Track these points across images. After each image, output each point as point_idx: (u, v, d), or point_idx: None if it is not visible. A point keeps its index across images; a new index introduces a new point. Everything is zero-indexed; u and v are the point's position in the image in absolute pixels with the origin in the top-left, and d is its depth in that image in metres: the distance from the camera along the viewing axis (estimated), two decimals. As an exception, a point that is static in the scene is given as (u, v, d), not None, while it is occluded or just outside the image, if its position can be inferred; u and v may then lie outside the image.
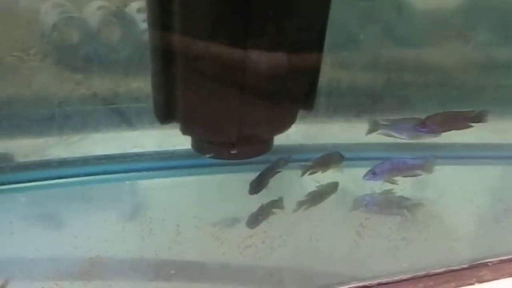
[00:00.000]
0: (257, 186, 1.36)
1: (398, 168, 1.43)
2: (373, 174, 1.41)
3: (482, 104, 1.94)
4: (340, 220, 1.52)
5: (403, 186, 1.48)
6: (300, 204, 1.46)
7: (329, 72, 1.81)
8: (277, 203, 1.45)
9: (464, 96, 1.95)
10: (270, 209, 1.43)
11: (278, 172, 1.42)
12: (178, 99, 0.99)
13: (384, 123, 1.50)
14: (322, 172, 1.49)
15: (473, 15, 2.09)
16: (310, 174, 1.49)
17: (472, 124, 1.35)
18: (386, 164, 1.42)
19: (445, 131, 1.35)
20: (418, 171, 1.45)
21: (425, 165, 1.45)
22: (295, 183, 1.68)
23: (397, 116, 1.69)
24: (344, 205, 1.51)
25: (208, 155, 1.08)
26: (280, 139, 1.72)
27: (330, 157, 1.51)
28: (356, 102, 1.89)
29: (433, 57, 1.97)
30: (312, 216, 1.48)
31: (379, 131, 1.48)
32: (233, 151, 1.03)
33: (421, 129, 1.34)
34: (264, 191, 1.42)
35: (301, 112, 1.20)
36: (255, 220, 1.40)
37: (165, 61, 0.96)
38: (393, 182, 1.42)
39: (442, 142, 1.78)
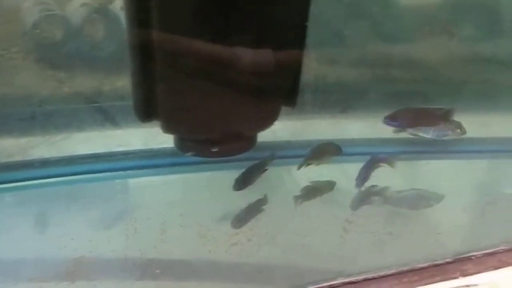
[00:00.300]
0: (242, 182, 1.35)
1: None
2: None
3: (467, 98, 1.95)
4: (327, 216, 1.52)
5: (391, 180, 1.50)
6: (296, 198, 1.46)
7: (315, 68, 1.81)
8: (263, 202, 1.45)
9: (450, 90, 1.96)
10: (256, 208, 1.42)
11: (265, 170, 1.41)
12: (158, 97, 0.98)
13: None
14: (316, 165, 1.49)
15: (458, 10, 2.10)
16: (307, 165, 1.49)
17: (440, 121, 1.36)
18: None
19: (413, 127, 1.36)
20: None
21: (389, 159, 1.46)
22: (284, 180, 1.68)
23: (383, 111, 1.70)
24: (331, 201, 1.51)
25: (188, 154, 1.08)
26: (266, 136, 1.72)
27: (327, 148, 1.51)
28: (342, 98, 1.89)
29: (419, 52, 1.98)
30: (299, 212, 1.48)
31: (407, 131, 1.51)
32: (214, 149, 1.02)
33: (391, 122, 1.35)
34: (252, 189, 1.42)
35: (287, 109, 1.20)
36: (240, 220, 1.39)
37: (145, 58, 0.95)
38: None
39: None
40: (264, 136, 1.68)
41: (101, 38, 1.79)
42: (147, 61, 0.95)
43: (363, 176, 1.47)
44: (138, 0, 0.91)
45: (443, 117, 1.36)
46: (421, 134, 1.54)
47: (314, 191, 1.50)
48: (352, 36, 1.86)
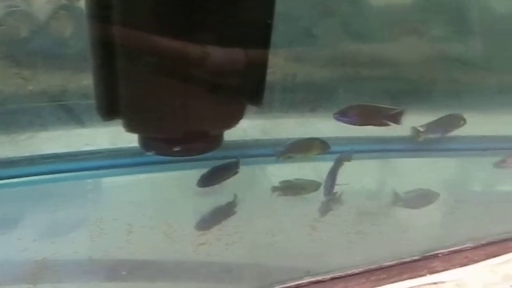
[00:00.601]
0: (207, 179, 1.33)
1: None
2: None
3: (435, 97, 1.98)
4: (295, 214, 1.52)
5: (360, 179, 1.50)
6: (274, 189, 1.45)
7: (284, 67, 1.81)
8: (231, 204, 1.43)
9: (418, 89, 1.98)
10: (226, 211, 1.41)
11: (236, 173, 1.40)
12: (120, 95, 0.95)
13: (421, 129, 1.66)
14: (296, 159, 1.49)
15: (427, 11, 2.12)
16: (289, 158, 1.48)
17: (389, 122, 1.37)
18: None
19: (362, 124, 1.36)
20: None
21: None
22: (253, 179, 1.67)
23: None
24: (299, 199, 1.51)
25: (150, 153, 1.06)
26: (236, 135, 1.72)
27: (313, 143, 1.50)
28: (311, 97, 1.89)
29: (389, 51, 1.99)
30: (267, 211, 1.47)
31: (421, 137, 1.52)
32: (177, 148, 1.01)
33: (341, 118, 1.35)
34: (220, 188, 1.41)
35: (257, 108, 1.19)
36: (205, 223, 1.37)
37: (105, 55, 0.93)
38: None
39: (397, 135, 1.81)
40: (234, 135, 1.68)
41: (68, 35, 1.76)
42: (108, 58, 0.93)
43: (330, 183, 1.47)
44: (98, -5, 0.89)
45: (393, 117, 1.37)
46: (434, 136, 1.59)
47: (296, 188, 1.50)
48: (322, 34, 1.87)
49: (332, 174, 1.48)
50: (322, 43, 1.88)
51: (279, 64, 1.76)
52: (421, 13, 2.10)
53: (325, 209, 1.52)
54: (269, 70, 1.74)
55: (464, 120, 1.73)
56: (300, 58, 1.86)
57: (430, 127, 1.72)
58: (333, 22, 1.91)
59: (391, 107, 1.37)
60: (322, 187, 1.50)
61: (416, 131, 1.70)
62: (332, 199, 1.51)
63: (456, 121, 1.73)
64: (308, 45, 1.87)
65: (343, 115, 1.34)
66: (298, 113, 1.87)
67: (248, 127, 1.74)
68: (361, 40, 1.95)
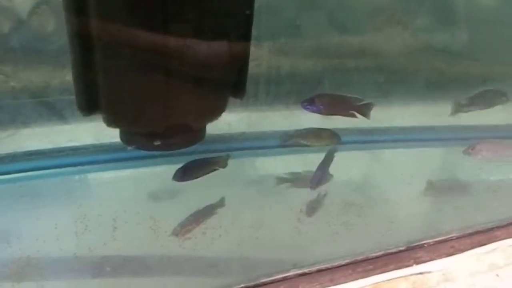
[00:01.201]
0: (183, 173, 1.32)
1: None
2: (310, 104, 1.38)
3: (419, 87, 1.98)
4: (281, 207, 1.51)
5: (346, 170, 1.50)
6: (281, 180, 1.43)
7: (268, 59, 1.80)
8: (216, 206, 1.43)
9: (402, 79, 1.98)
10: (206, 214, 1.40)
11: (215, 169, 1.38)
12: (99, 89, 0.94)
13: (464, 102, 1.61)
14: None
15: (411, 1, 2.12)
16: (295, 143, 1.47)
17: (356, 114, 1.36)
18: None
19: (329, 114, 1.35)
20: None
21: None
22: (239, 173, 1.67)
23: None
24: (285, 192, 1.51)
25: (130, 147, 1.05)
26: (222, 128, 1.71)
27: (324, 134, 1.49)
28: (296, 89, 1.89)
29: (373, 42, 1.99)
30: (253, 204, 1.47)
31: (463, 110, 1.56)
32: (157, 143, 1.00)
33: (308, 106, 1.34)
34: (206, 182, 1.39)
35: (240, 101, 1.19)
36: (187, 225, 1.36)
37: (84, 49, 0.91)
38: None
39: (382, 126, 1.81)
40: (219, 128, 1.67)
41: (50, 30, 1.73)
42: (87, 52, 0.92)
43: (319, 177, 1.45)
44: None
45: (361, 109, 1.36)
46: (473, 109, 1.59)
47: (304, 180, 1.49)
48: (306, 26, 1.86)
49: (323, 168, 1.47)
50: (306, 34, 1.87)
51: (263, 56, 1.75)
52: (405, 4, 2.10)
53: (314, 207, 1.51)
54: (254, 63, 1.74)
55: (506, 97, 1.68)
56: (285, 50, 1.85)
57: (472, 101, 1.67)
58: (318, 14, 1.90)
59: (359, 98, 1.36)
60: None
61: (458, 104, 1.66)
62: (322, 196, 1.51)
63: (498, 96, 1.68)
64: (292, 37, 1.86)
65: (310, 104, 1.33)
66: (283, 106, 1.86)
67: (233, 120, 1.73)
68: (345, 31, 1.95)
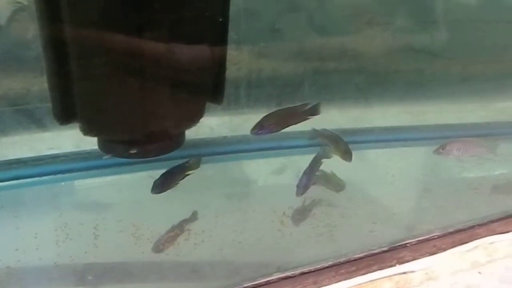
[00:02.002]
0: (161, 185, 1.31)
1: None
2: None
3: (400, 88, 1.99)
4: (264, 210, 1.51)
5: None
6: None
7: (249, 63, 1.80)
8: (189, 220, 1.42)
9: (383, 80, 1.99)
10: (181, 228, 1.39)
11: (187, 175, 1.37)
12: (75, 98, 0.93)
13: None
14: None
15: (390, 2, 2.14)
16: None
17: (308, 116, 1.38)
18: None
19: (283, 128, 1.36)
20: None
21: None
22: (221, 177, 1.67)
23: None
24: (268, 195, 1.51)
25: (106, 156, 1.04)
26: (204, 132, 1.70)
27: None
28: (278, 92, 1.89)
29: (353, 44, 2.00)
30: (236, 208, 1.47)
31: None
32: (133, 151, 0.99)
33: (259, 132, 1.34)
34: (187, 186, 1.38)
35: (224, 105, 1.18)
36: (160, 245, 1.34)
37: (59, 57, 0.91)
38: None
39: (363, 127, 1.82)
40: (201, 133, 1.67)
41: (30, 37, 1.72)
42: (61, 59, 0.91)
43: (305, 183, 1.44)
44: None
45: (310, 112, 1.38)
46: None
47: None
48: (286, 29, 1.86)
49: (309, 173, 1.46)
50: (286, 37, 1.87)
51: (244, 60, 1.75)
52: (384, 5, 2.11)
53: (301, 215, 1.51)
54: (234, 67, 1.74)
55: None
56: (265, 54, 1.85)
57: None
58: (297, 16, 1.91)
59: (305, 102, 1.38)
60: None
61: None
62: (309, 204, 1.51)
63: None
64: (272, 40, 1.86)
65: (260, 129, 1.33)
66: (265, 108, 1.86)
67: (215, 125, 1.73)
68: (325, 33, 1.95)
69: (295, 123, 1.37)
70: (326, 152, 1.51)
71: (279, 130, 1.35)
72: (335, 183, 1.56)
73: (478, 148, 1.58)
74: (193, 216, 1.43)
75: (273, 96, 1.87)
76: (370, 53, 1.99)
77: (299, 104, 1.38)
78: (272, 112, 1.36)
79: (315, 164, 1.48)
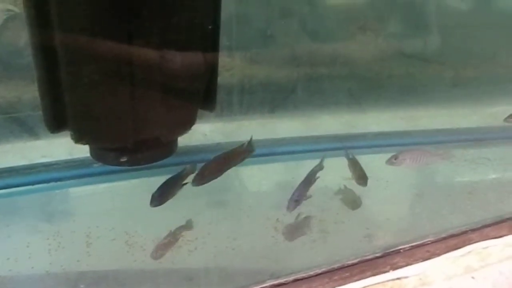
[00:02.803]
0: (159, 197, 1.29)
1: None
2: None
3: (392, 93, 1.99)
4: (257, 216, 1.51)
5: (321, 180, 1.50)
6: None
7: (242, 69, 1.81)
8: (185, 228, 1.41)
9: (376, 85, 2.00)
10: (177, 236, 1.38)
11: (185, 184, 1.36)
12: (66, 106, 0.93)
13: None
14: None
15: (382, 8, 2.15)
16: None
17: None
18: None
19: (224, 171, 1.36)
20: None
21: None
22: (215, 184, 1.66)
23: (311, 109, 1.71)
24: (261, 201, 1.51)
25: (96, 164, 1.04)
26: (197, 139, 1.70)
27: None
28: (270, 98, 1.89)
29: (345, 49, 2.01)
30: (229, 215, 1.46)
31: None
32: (123, 159, 0.99)
33: (200, 182, 1.34)
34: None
35: (216, 111, 1.18)
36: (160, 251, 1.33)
37: (49, 65, 0.90)
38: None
39: (356, 132, 1.82)
40: (194, 139, 1.66)
41: (22, 45, 1.71)
42: (51, 67, 0.90)
43: (297, 198, 1.41)
44: (37, 2, 0.86)
45: (247, 150, 1.41)
46: None
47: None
48: (278, 35, 1.86)
49: (302, 189, 1.43)
50: (279, 43, 1.88)
51: (236, 66, 1.75)
52: (377, 11, 2.12)
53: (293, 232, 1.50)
54: (227, 73, 1.74)
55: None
56: (258, 60, 1.85)
57: None
58: (290, 22, 1.91)
59: (241, 143, 1.41)
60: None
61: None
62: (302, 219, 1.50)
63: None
64: (265, 46, 1.86)
65: (201, 179, 1.34)
66: (258, 114, 1.86)
67: (209, 131, 1.73)
68: (318, 39, 1.96)
69: (235, 165, 1.38)
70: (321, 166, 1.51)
71: (220, 176, 1.35)
72: (352, 201, 1.57)
73: (431, 157, 1.57)
74: (188, 225, 1.42)
75: (266, 102, 1.87)
76: (363, 58, 2.00)
77: (236, 147, 1.41)
78: (211, 160, 1.37)
79: (309, 178, 1.46)
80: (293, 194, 1.41)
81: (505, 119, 1.66)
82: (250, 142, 1.42)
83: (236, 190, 1.65)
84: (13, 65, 1.69)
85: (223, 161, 1.37)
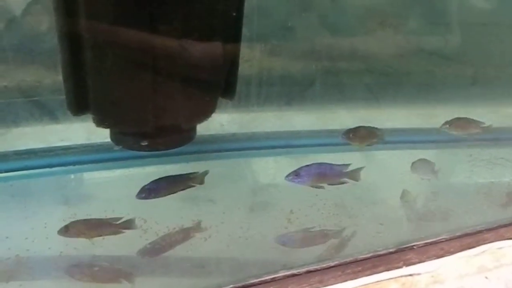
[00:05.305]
0: (149, 191, 1.27)
1: (324, 174, 1.39)
2: (296, 175, 1.36)
3: (410, 90, 1.98)
4: (271, 208, 1.51)
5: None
6: None
7: (261, 61, 1.81)
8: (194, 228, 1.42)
9: (394, 82, 1.99)
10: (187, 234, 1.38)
11: (191, 186, 1.36)
12: (89, 90, 0.94)
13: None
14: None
15: (403, 4, 2.13)
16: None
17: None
18: (313, 168, 1.38)
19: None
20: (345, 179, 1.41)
21: (352, 173, 1.42)
22: (229, 174, 1.67)
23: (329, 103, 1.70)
24: (275, 193, 1.51)
25: (117, 148, 1.05)
26: (214, 129, 1.71)
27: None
28: (287, 90, 1.89)
29: (364, 44, 2.00)
30: (243, 205, 1.47)
31: None
32: (144, 143, 1.00)
33: (145, 196, 1.32)
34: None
35: (234, 102, 1.19)
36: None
37: (74, 49, 0.91)
38: (318, 187, 1.38)
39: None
40: (212, 129, 1.67)
41: (44, 30, 1.73)
42: (76, 52, 0.92)
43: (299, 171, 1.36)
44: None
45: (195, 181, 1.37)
46: None
47: None
48: (298, 28, 1.86)
49: (313, 169, 1.38)
50: (298, 36, 1.87)
51: (255, 57, 1.76)
52: (397, 7, 2.11)
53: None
54: (246, 64, 1.74)
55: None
56: (277, 52, 1.85)
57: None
58: (310, 16, 1.91)
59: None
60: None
61: None
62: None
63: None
64: (284, 39, 1.86)
65: (148, 195, 1.31)
66: (275, 107, 1.86)
67: (225, 121, 1.73)
68: (337, 33, 1.95)
69: (179, 190, 1.36)
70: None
71: (163, 196, 1.33)
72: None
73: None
74: (197, 226, 1.42)
75: (283, 95, 1.87)
76: (382, 54, 1.99)
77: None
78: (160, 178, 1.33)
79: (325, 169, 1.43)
80: (299, 168, 1.40)
81: None
82: (202, 174, 1.37)
83: (250, 181, 1.66)
84: (34, 50, 1.70)
85: (170, 182, 1.35)
